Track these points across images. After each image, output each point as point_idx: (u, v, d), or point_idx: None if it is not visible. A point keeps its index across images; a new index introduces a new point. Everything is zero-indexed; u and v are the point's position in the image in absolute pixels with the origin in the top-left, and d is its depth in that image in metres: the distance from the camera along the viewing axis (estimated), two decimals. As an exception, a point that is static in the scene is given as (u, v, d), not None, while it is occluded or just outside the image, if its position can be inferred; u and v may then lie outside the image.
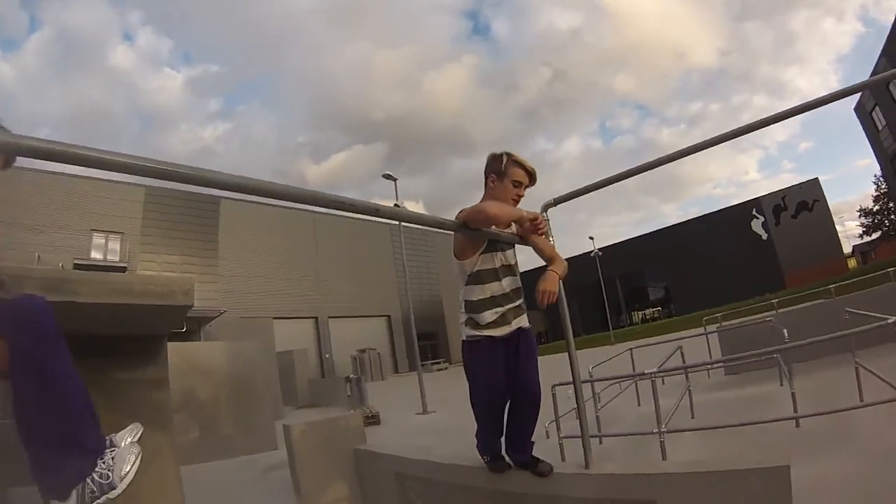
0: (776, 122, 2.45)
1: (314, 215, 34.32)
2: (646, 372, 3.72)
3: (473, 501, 3.18)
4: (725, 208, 51.30)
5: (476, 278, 2.45)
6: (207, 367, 7.63)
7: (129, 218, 24.89)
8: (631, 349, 8.02)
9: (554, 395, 4.82)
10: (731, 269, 45.14)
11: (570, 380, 2.67)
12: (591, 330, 49.64)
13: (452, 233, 2.41)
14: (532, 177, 2.53)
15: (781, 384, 6.47)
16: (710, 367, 7.64)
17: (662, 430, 3.49)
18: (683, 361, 6.67)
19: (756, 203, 47.81)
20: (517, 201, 2.50)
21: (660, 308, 55.32)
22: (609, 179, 2.88)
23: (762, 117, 2.48)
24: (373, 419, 10.86)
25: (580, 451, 2.54)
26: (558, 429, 4.96)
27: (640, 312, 57.25)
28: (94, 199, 23.47)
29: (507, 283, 2.48)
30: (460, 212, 2.33)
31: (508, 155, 2.49)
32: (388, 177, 15.47)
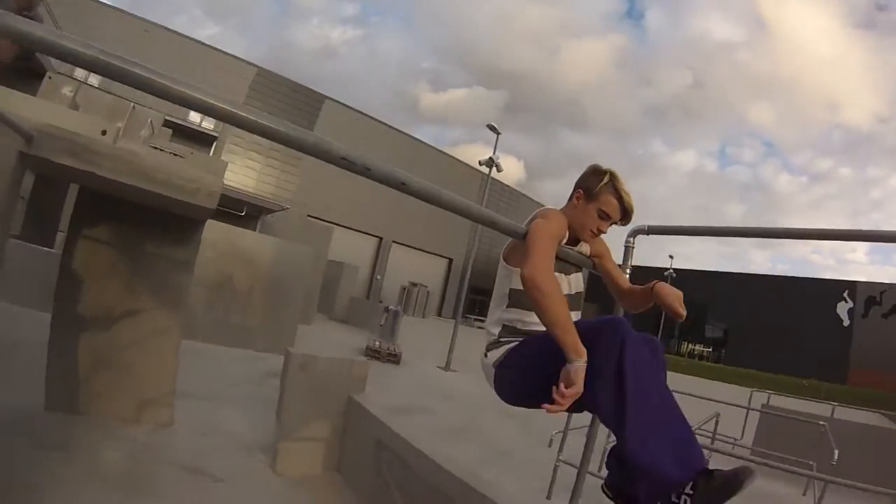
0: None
1: (417, 142, 34.27)
2: None
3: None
4: (817, 279, 47.65)
5: (521, 300, 1.80)
6: (251, 256, 7.62)
7: (234, 92, 25.58)
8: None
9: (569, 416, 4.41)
10: (797, 341, 42.34)
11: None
12: None
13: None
14: (626, 215, 1.94)
15: (805, 494, 5.84)
16: (736, 443, 6.94)
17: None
18: (715, 428, 6.06)
19: (851, 286, 43.88)
20: (595, 236, 1.97)
21: (711, 349, 53.21)
22: (713, 229, 2.52)
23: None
24: (394, 358, 10.77)
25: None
26: (560, 449, 4.62)
27: (691, 345, 55.28)
28: (208, 67, 24.25)
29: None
30: (534, 218, 1.86)
31: (612, 175, 1.90)
32: (492, 128, 14.81)
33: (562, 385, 1.44)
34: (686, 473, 1.37)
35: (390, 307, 14.38)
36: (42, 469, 2.84)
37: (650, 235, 2.36)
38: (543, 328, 1.60)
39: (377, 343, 10.76)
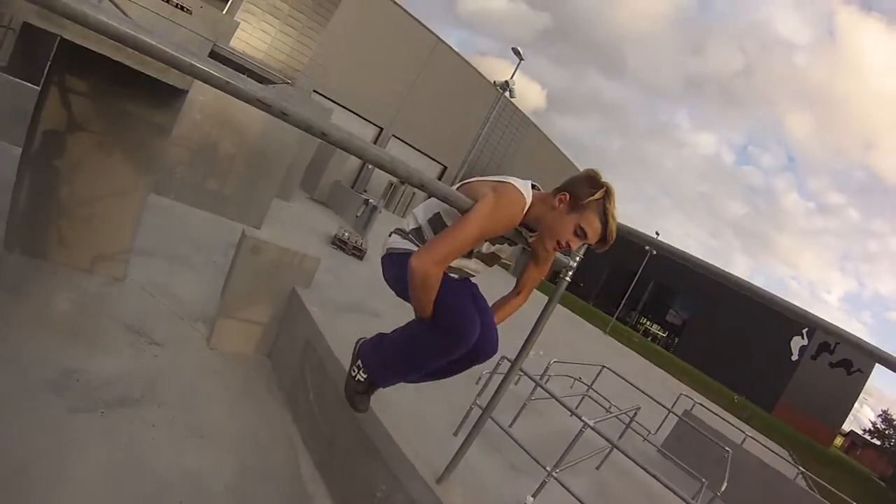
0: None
1: (438, 42, 32.70)
2: (582, 418, 3.48)
3: (344, 420, 3.19)
4: (785, 302, 48.77)
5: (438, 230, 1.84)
6: (238, 125, 7.57)
7: None
8: (603, 367, 7.81)
9: (499, 363, 4.49)
10: (744, 357, 44.51)
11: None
12: (599, 304, 49.99)
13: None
14: (604, 242, 1.77)
15: (695, 499, 6.45)
16: (648, 437, 7.47)
17: (554, 472, 3.34)
18: (628, 422, 6.47)
19: (811, 324, 45.27)
20: (561, 249, 1.78)
21: (666, 334, 55.00)
22: (707, 267, 2.58)
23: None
24: (358, 252, 10.98)
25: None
26: (480, 393, 4.60)
27: (648, 324, 56.91)
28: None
29: (472, 266, 1.92)
30: (495, 187, 1.74)
31: (607, 192, 1.71)
32: (516, 52, 14.32)
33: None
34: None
35: (370, 200, 14.41)
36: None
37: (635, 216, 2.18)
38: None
39: (345, 234, 10.89)
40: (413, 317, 1.84)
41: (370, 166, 32.74)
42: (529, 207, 1.74)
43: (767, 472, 7.47)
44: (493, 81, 15.17)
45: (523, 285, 2.08)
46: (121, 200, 4.18)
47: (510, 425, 4.85)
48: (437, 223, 1.86)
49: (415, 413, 3.86)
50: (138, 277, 4.40)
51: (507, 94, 14.72)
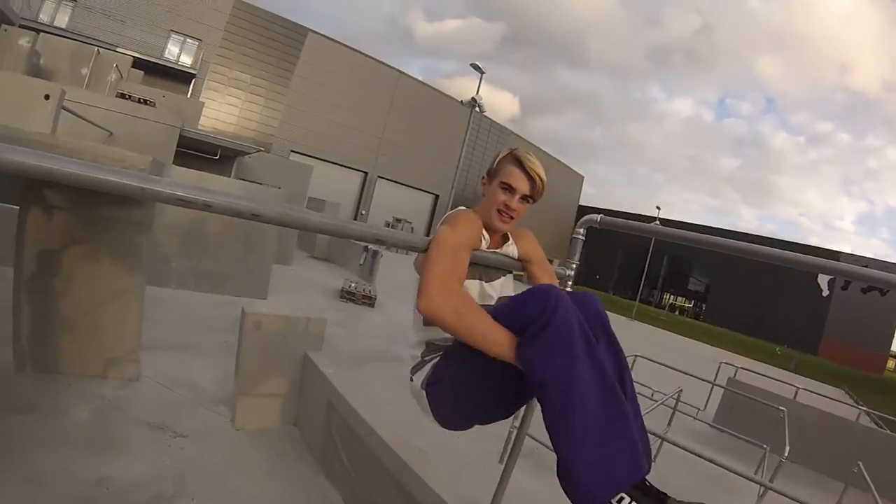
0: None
1: (400, 75, 33.32)
2: None
3: (381, 478, 3.13)
4: (802, 244, 47.94)
5: None
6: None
7: (211, 27, 24.44)
8: (636, 356, 7.70)
9: None
10: (775, 306, 43.65)
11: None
12: (619, 292, 49.41)
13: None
14: (533, 183, 1.70)
15: (757, 472, 6.24)
16: (697, 415, 7.32)
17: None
18: (674, 406, 6.36)
19: (834, 256, 44.58)
20: (508, 217, 1.71)
21: (692, 303, 54.36)
22: (675, 234, 2.04)
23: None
24: (368, 301, 11.04)
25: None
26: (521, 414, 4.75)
27: (672, 297, 56.34)
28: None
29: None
30: (443, 222, 1.63)
31: (512, 149, 1.74)
32: (476, 67, 14.52)
33: None
34: (616, 488, 1.22)
35: (369, 246, 14.49)
36: (11, 433, 3.07)
37: (610, 220, 2.09)
38: None
39: (352, 285, 10.98)
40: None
41: (364, 211, 33.02)
42: (478, 214, 1.74)
43: (827, 421, 7.30)
44: (460, 101, 15.36)
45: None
46: (120, 301, 4.21)
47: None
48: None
49: (453, 450, 3.81)
50: (152, 373, 4.40)
51: (476, 109, 14.89)
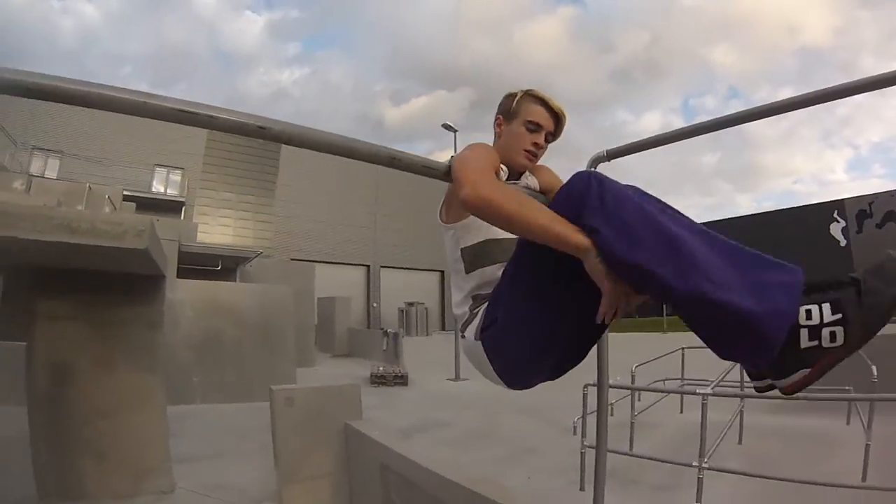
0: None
1: (379, 166, 34.41)
2: (697, 391, 3.12)
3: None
4: (804, 206, 47.29)
5: (478, 256, 1.56)
6: (232, 307, 7.54)
7: (191, 154, 25.65)
8: (683, 349, 7.26)
9: (585, 395, 4.32)
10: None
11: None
12: (643, 311, 48.12)
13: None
14: (558, 119, 1.68)
15: (848, 423, 5.70)
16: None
17: (704, 465, 2.89)
18: (742, 377, 5.92)
19: (839, 205, 43.81)
20: (533, 155, 1.68)
21: None
22: (676, 133, 1.92)
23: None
24: (400, 380, 10.69)
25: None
26: (584, 434, 4.39)
27: None
28: (159, 134, 24.30)
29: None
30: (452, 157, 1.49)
31: (526, 90, 1.69)
32: (447, 127, 14.78)
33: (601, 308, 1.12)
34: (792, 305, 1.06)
35: (389, 330, 14.27)
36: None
37: (619, 148, 1.92)
38: None
39: (380, 368, 10.67)
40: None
41: (375, 304, 32.85)
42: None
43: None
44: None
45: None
46: (142, 410, 3.96)
47: (631, 448, 4.37)
48: (467, 261, 1.58)
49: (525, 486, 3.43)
50: (187, 484, 4.06)
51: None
